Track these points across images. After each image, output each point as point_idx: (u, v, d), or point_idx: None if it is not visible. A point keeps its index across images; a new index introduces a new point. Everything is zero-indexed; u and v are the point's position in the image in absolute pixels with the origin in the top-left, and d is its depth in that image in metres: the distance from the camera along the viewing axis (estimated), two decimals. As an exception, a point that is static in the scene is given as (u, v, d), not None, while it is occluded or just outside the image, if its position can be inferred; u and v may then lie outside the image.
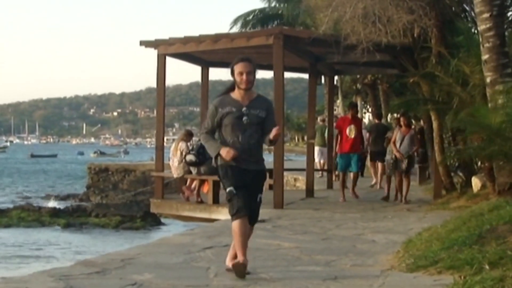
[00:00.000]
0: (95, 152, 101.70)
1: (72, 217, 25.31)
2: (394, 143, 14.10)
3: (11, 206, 29.09)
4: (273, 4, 31.16)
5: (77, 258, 15.74)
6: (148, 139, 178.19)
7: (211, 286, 6.01)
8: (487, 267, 5.81)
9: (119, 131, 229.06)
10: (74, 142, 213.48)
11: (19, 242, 21.16)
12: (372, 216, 11.93)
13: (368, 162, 19.74)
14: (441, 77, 13.13)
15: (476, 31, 12.94)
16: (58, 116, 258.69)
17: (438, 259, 6.55)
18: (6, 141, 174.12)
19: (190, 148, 14.30)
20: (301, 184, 20.05)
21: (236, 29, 29.71)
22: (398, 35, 13.33)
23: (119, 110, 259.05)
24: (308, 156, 16.67)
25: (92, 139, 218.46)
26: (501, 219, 7.53)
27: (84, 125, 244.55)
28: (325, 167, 19.97)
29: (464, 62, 12.73)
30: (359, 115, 18.23)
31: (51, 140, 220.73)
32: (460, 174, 14.67)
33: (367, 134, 17.42)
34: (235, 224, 6.26)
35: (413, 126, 15.18)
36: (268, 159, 12.36)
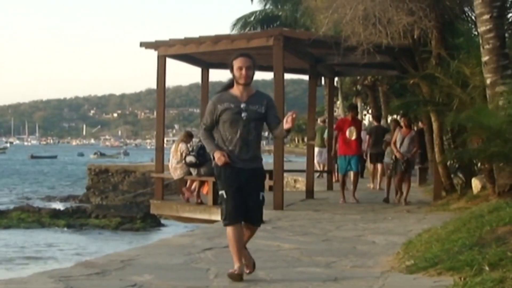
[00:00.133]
0: (95, 153, 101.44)
1: (72, 218, 25.34)
2: (395, 143, 14.13)
3: (11, 207, 29.07)
4: (267, 6, 31.19)
5: (77, 259, 15.75)
6: (148, 140, 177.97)
7: (211, 287, 6.02)
8: (487, 268, 5.80)
9: (119, 132, 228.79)
10: (74, 143, 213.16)
11: (19, 243, 21.16)
12: (372, 218, 11.93)
13: (368, 164, 19.73)
14: (441, 79, 13.12)
15: (476, 33, 12.95)
16: (58, 117, 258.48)
17: (438, 261, 6.55)
18: (6, 142, 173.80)
19: (190, 149, 14.29)
20: (301, 185, 20.04)
21: (236, 31, 29.77)
22: (398, 36, 13.33)
23: (119, 111, 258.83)
24: (308, 157, 16.67)
25: (92, 140, 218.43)
26: (501, 221, 7.52)
27: (84, 126, 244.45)
28: (325, 168, 19.98)
29: (464, 63, 12.73)
30: (359, 117, 18.23)
31: (51, 141, 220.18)
32: (460, 175, 14.67)
33: (367, 136, 17.43)
34: (227, 231, 6.27)
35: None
36: (268, 160, 12.42)
